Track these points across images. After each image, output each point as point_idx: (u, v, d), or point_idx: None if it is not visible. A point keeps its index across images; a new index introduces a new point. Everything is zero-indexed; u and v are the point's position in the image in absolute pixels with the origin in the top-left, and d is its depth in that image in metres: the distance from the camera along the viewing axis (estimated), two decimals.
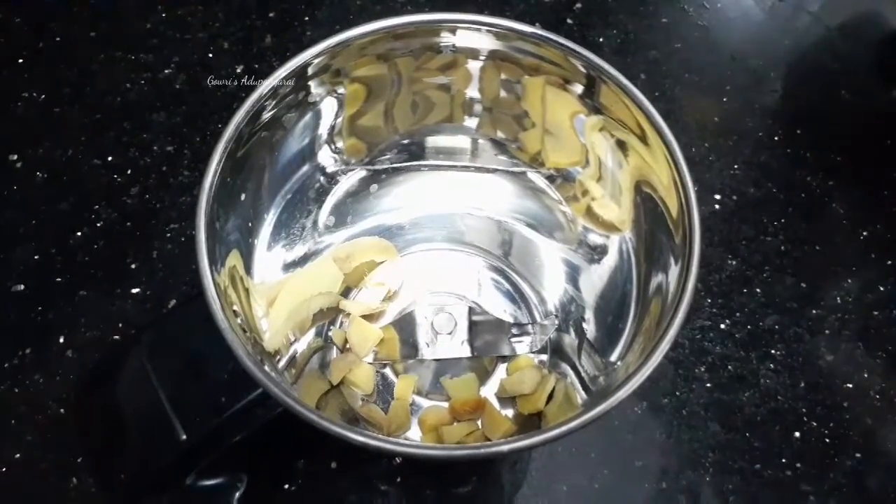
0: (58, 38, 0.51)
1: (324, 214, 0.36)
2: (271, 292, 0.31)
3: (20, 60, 0.49)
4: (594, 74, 0.30)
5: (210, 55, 0.50)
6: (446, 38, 0.31)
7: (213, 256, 0.24)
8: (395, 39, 0.30)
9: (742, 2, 0.56)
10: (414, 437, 0.34)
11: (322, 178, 0.35)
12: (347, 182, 0.36)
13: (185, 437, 0.23)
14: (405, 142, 0.37)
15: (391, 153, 0.37)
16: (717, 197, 0.47)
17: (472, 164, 0.38)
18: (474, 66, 0.32)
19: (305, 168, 0.34)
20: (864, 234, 0.46)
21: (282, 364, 0.30)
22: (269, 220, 0.32)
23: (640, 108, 0.28)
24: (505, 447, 0.22)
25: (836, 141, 0.49)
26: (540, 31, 0.29)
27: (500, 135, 0.36)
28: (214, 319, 0.22)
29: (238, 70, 0.50)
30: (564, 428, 0.22)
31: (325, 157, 0.35)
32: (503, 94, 0.34)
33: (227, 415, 0.24)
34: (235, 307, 0.26)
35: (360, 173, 0.37)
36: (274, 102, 0.28)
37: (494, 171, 0.38)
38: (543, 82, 0.32)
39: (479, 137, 0.36)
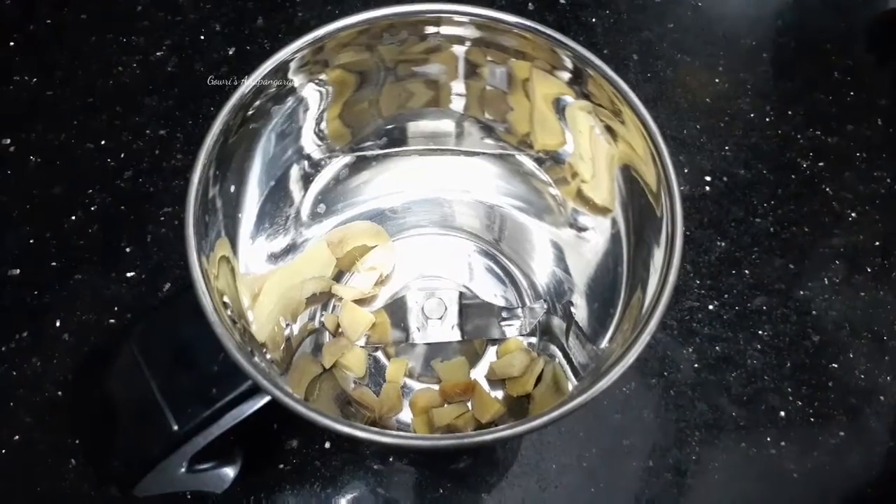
0: (48, 21, 0.50)
1: (307, 203, 0.36)
2: (256, 284, 0.31)
3: (11, 44, 0.49)
4: (578, 64, 0.30)
5: (202, 37, 0.50)
6: (431, 28, 0.31)
7: (202, 248, 0.24)
8: (378, 30, 0.30)
9: None
10: (405, 420, 0.35)
11: (306, 165, 0.35)
12: (332, 169, 0.36)
13: (176, 427, 0.24)
14: (389, 126, 0.37)
15: (376, 138, 0.37)
16: (708, 178, 0.47)
17: (458, 147, 0.38)
18: (459, 49, 0.32)
19: (289, 155, 0.34)
20: (853, 215, 0.46)
21: (273, 352, 0.31)
22: (254, 210, 0.32)
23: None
24: (489, 437, 0.22)
25: (827, 122, 0.49)
26: (525, 21, 0.29)
27: (487, 116, 0.36)
28: (205, 314, 0.23)
29: (230, 52, 0.49)
30: (549, 416, 0.23)
31: (310, 144, 0.34)
32: (490, 76, 0.34)
33: (219, 406, 0.24)
34: (226, 298, 0.26)
35: (344, 159, 0.37)
36: (259, 94, 0.29)
37: (481, 154, 0.38)
38: (530, 65, 0.32)
39: (464, 120, 0.36)
